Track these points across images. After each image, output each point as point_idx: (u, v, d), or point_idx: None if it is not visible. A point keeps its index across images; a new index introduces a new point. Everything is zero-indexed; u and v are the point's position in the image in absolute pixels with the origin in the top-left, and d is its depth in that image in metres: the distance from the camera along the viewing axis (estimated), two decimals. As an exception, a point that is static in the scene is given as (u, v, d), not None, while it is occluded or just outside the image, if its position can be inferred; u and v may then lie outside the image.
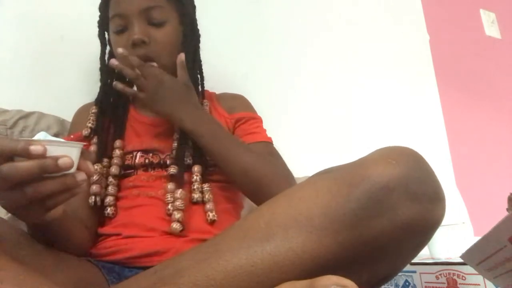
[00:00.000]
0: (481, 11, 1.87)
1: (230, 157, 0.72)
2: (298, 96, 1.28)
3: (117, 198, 0.74)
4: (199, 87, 0.85)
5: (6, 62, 0.92)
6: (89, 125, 0.79)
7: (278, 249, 0.44)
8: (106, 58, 0.83)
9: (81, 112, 0.84)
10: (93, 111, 0.81)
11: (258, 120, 0.86)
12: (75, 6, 1.00)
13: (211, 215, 0.70)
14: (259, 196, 0.69)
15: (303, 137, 1.25)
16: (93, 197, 0.71)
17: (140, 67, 0.72)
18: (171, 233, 0.67)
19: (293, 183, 0.74)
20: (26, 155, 0.42)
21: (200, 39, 0.87)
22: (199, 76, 0.86)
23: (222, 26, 1.21)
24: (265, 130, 0.85)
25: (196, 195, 0.72)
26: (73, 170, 0.45)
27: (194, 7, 0.87)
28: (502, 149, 1.64)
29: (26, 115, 0.85)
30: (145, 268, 0.57)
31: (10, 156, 0.43)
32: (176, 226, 0.67)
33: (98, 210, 0.73)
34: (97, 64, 0.86)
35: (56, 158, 0.43)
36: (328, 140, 1.28)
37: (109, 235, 0.70)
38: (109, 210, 0.71)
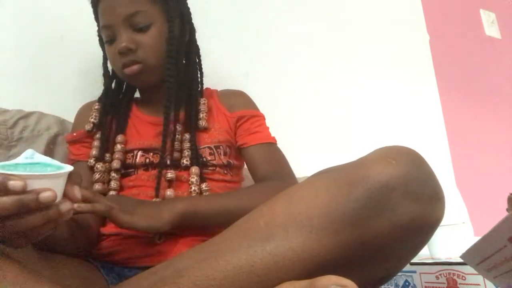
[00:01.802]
0: (481, 11, 1.87)
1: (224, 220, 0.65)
2: (298, 96, 1.28)
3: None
4: (199, 84, 0.84)
5: (6, 62, 0.92)
6: (92, 120, 0.79)
7: (278, 249, 0.44)
8: (108, 64, 0.84)
9: (84, 110, 0.84)
10: (96, 107, 0.81)
11: (260, 117, 0.85)
12: (75, 6, 1.00)
13: None
14: None
15: (303, 137, 1.24)
16: None
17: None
18: (170, 233, 0.67)
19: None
20: (4, 191, 0.38)
21: (200, 38, 0.87)
22: (198, 72, 0.85)
23: (222, 26, 1.21)
24: (267, 128, 0.84)
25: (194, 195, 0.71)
26: (58, 199, 0.41)
27: (183, 1, 0.85)
28: (502, 149, 1.64)
29: (26, 115, 0.85)
30: (145, 268, 0.57)
31: None
32: None
33: None
34: (97, 64, 0.86)
35: (37, 193, 0.39)
36: (328, 140, 1.28)
37: (109, 235, 0.70)
38: None
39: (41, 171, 0.41)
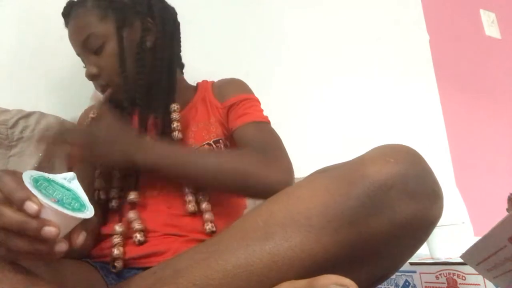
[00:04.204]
0: (481, 11, 1.87)
1: (192, 174, 0.66)
2: (298, 96, 1.28)
3: (120, 196, 0.72)
4: (167, 89, 0.76)
5: (6, 62, 0.92)
6: (91, 115, 0.76)
7: (277, 248, 0.44)
8: None
9: (89, 109, 0.83)
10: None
11: (251, 100, 0.79)
12: (75, 6, 1.00)
13: (209, 226, 0.67)
14: (252, 195, 0.69)
15: (303, 137, 1.24)
16: (96, 192, 0.71)
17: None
18: (168, 234, 0.67)
19: (285, 167, 0.68)
20: (20, 207, 0.38)
21: (201, 39, 0.85)
22: (167, 75, 0.77)
23: (223, 26, 1.21)
24: (259, 109, 0.78)
25: (191, 206, 0.68)
26: (60, 236, 0.40)
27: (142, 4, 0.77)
28: (502, 149, 1.64)
29: (27, 115, 0.85)
30: (143, 269, 0.57)
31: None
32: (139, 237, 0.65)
33: (102, 207, 0.72)
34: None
35: (42, 225, 0.38)
36: (328, 139, 1.28)
37: (107, 236, 0.70)
38: (113, 203, 0.71)
39: (63, 203, 0.41)
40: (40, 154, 0.82)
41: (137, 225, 0.66)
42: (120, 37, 0.72)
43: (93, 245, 0.70)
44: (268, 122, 0.77)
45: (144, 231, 0.67)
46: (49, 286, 0.41)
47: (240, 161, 0.66)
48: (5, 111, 0.83)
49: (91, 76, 0.74)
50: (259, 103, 0.80)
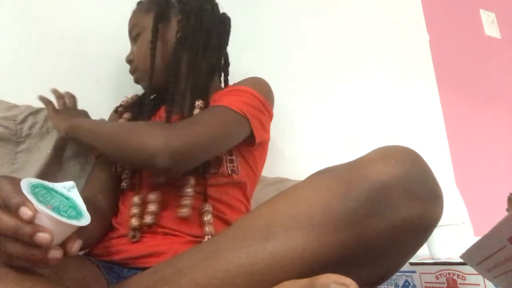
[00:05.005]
0: (481, 11, 1.87)
1: (95, 140, 0.71)
2: (298, 96, 1.28)
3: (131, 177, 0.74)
4: (196, 85, 0.76)
5: (6, 62, 0.92)
6: (121, 103, 0.85)
7: (278, 248, 0.44)
8: None
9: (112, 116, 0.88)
10: (129, 96, 0.87)
11: (241, 90, 0.72)
12: (75, 6, 1.00)
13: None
14: (127, 157, 0.67)
15: (304, 137, 1.24)
16: (113, 166, 0.75)
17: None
18: (168, 234, 0.67)
19: (175, 136, 0.61)
20: (14, 212, 0.38)
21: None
22: (198, 73, 0.77)
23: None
24: (239, 100, 0.69)
25: (184, 210, 0.67)
26: (54, 243, 0.40)
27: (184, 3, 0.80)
28: (502, 149, 1.64)
29: (36, 111, 0.84)
30: (143, 268, 0.57)
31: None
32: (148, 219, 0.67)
33: (116, 185, 0.74)
34: (97, 64, 0.86)
35: (36, 230, 0.38)
36: (328, 140, 1.28)
37: (113, 231, 0.70)
38: (124, 183, 0.73)
39: (59, 211, 0.41)
40: (49, 151, 0.81)
41: (153, 207, 0.67)
42: (155, 30, 0.77)
43: (100, 236, 0.70)
44: (235, 111, 0.67)
45: (157, 215, 0.67)
46: (52, 283, 0.41)
47: (129, 127, 0.69)
48: (15, 106, 0.83)
49: (128, 61, 0.84)
50: (254, 96, 0.72)
